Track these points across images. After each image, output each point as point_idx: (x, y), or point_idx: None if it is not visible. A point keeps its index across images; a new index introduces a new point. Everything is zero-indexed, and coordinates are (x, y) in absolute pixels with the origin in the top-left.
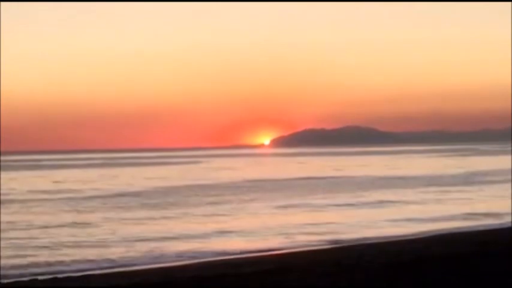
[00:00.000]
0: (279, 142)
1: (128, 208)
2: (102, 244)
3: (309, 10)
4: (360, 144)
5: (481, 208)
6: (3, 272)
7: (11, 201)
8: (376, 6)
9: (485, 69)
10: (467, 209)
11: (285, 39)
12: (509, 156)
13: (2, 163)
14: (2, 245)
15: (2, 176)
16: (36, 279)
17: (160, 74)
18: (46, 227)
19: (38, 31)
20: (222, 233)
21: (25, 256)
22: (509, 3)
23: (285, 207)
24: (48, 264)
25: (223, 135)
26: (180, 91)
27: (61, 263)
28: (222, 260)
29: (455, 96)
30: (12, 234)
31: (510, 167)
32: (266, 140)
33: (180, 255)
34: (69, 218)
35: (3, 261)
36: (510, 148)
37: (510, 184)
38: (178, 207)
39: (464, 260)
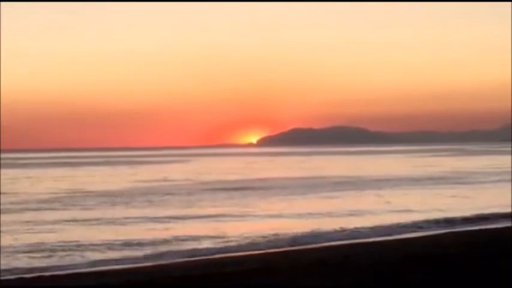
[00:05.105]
0: (266, 141)
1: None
2: (88, 243)
3: (296, 11)
4: (348, 144)
5: (465, 209)
6: None
7: None
8: (364, 7)
9: (477, 70)
10: (451, 210)
11: (273, 40)
12: (495, 156)
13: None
14: None
15: None
16: (23, 278)
17: (148, 74)
18: (31, 225)
19: (37, 31)
20: None
21: (12, 255)
22: (510, 3)
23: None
24: (35, 262)
25: (212, 134)
26: (169, 91)
27: (47, 261)
28: (207, 259)
29: (447, 97)
30: None
31: (492, 167)
32: (254, 139)
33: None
34: (54, 216)
35: None
36: (498, 148)
37: (494, 184)
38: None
39: (452, 261)
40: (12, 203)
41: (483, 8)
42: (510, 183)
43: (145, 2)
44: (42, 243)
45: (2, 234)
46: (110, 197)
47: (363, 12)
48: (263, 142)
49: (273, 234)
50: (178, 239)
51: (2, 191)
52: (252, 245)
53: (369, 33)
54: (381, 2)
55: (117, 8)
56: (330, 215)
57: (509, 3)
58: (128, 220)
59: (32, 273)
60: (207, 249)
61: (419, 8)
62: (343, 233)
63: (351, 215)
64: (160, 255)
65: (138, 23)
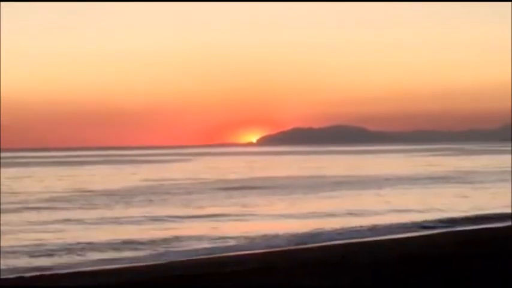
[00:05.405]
0: (266, 141)
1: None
2: (88, 242)
3: (296, 11)
4: (348, 144)
5: (465, 208)
6: None
7: None
8: (364, 7)
9: (477, 70)
10: (451, 209)
11: (273, 40)
12: (495, 156)
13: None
14: None
15: None
16: (23, 277)
17: (148, 74)
18: (31, 225)
19: (37, 31)
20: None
21: (12, 254)
22: (510, 3)
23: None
24: (35, 262)
25: (212, 134)
26: (169, 91)
27: (47, 261)
28: (207, 258)
29: (446, 96)
30: None
31: (492, 166)
32: (254, 138)
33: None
34: (54, 215)
35: None
36: (498, 148)
37: (494, 184)
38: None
39: (450, 260)
40: (12, 203)
41: (483, 8)
42: (510, 183)
43: (145, 2)
44: (42, 243)
45: (2, 234)
46: (110, 196)
47: (363, 12)
48: (263, 141)
49: (272, 234)
50: (178, 239)
51: (2, 190)
52: (251, 245)
53: (369, 33)
54: (381, 2)
55: (117, 8)
56: (329, 214)
57: (509, 3)
58: (128, 219)
59: (32, 272)
60: (207, 248)
61: (419, 8)
62: (342, 232)
63: (351, 214)
64: (160, 254)
65: (138, 23)
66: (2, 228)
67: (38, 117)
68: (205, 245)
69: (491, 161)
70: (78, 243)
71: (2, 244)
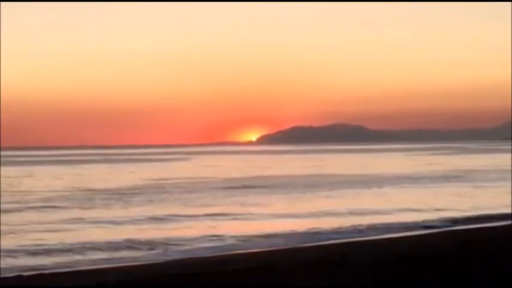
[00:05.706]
0: (266, 139)
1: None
2: (87, 241)
3: (296, 11)
4: (348, 142)
5: (465, 207)
6: None
7: None
8: (364, 7)
9: (477, 70)
10: (451, 208)
11: (273, 39)
12: (496, 155)
13: None
14: None
15: None
16: (22, 276)
17: (148, 74)
18: (31, 224)
19: (37, 31)
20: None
21: (11, 254)
22: (510, 3)
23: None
24: (35, 261)
25: (212, 133)
26: (169, 90)
27: (47, 260)
28: (206, 257)
29: (447, 95)
30: None
31: (493, 165)
32: (253, 137)
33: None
34: (54, 215)
35: None
36: (499, 147)
37: (495, 183)
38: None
39: (449, 260)
40: (11, 202)
41: (483, 8)
42: (510, 182)
43: (145, 2)
44: (41, 242)
45: (2, 233)
46: (110, 195)
47: (363, 12)
48: (262, 140)
49: (272, 233)
50: (177, 238)
51: (1, 189)
52: (251, 244)
53: (369, 33)
54: (381, 2)
55: (117, 8)
56: (328, 214)
57: (509, 3)
58: (128, 219)
59: (31, 271)
60: (206, 248)
61: (419, 8)
62: (341, 231)
63: (350, 213)
64: (159, 253)
65: (138, 23)
66: (2, 227)
67: (37, 117)
68: (205, 244)
69: (491, 160)
70: (78, 242)
71: (1, 243)
